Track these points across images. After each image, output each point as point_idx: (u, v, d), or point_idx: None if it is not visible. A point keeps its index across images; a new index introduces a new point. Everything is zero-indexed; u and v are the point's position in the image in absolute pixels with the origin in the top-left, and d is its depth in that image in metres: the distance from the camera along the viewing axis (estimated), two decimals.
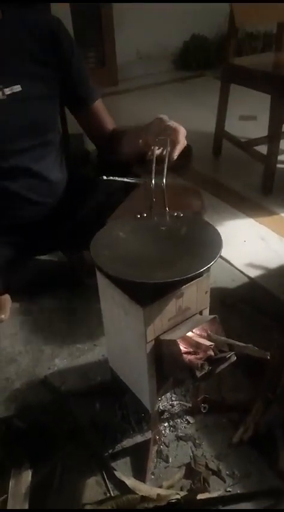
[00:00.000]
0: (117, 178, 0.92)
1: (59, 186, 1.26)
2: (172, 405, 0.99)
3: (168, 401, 1.00)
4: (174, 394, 1.02)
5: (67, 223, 1.27)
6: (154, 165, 0.87)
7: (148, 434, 0.93)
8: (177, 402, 1.00)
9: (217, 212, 1.81)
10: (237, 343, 0.72)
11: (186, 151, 2.32)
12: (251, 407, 0.95)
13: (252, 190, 1.96)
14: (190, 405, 0.98)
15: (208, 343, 0.74)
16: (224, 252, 1.51)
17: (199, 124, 2.55)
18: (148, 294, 0.72)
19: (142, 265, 0.73)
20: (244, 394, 1.02)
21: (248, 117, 2.75)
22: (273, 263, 1.50)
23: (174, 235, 0.80)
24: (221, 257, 1.50)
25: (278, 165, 1.95)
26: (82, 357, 1.15)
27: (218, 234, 0.78)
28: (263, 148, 1.95)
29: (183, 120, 2.76)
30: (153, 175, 0.85)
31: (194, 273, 0.69)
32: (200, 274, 0.76)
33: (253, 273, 1.45)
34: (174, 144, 0.91)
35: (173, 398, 1.01)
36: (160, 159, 0.89)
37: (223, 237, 1.57)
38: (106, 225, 0.83)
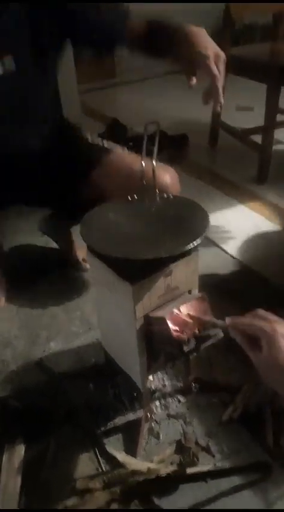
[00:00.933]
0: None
1: (50, 125, 1.19)
2: (164, 385, 1.01)
3: (160, 381, 1.02)
4: (166, 374, 1.04)
5: (52, 173, 1.18)
6: (145, 146, 0.88)
7: (140, 413, 0.95)
8: (169, 382, 1.02)
9: (212, 201, 1.82)
10: (216, 320, 0.73)
11: (183, 141, 2.33)
12: (240, 388, 0.97)
13: (247, 179, 1.97)
14: (182, 385, 1.00)
15: (195, 320, 0.76)
16: (219, 239, 1.56)
17: (196, 115, 2.55)
18: (137, 272, 0.74)
19: (131, 244, 0.75)
20: (235, 375, 1.04)
21: (246, 108, 2.75)
22: (266, 249, 1.52)
23: (164, 216, 0.82)
24: (215, 244, 1.54)
25: (274, 155, 1.96)
26: (77, 340, 1.17)
27: (205, 214, 0.80)
28: (259, 138, 1.96)
29: (181, 111, 2.78)
30: (143, 155, 0.86)
31: (181, 250, 0.70)
32: (188, 253, 0.78)
33: (247, 259, 1.46)
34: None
35: (165, 379, 1.03)
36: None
37: (219, 225, 1.58)
38: (97, 207, 0.85)
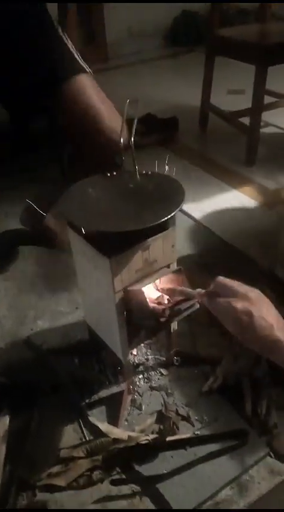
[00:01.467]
0: None
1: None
2: (147, 359, 1.04)
3: (144, 355, 1.05)
4: (150, 349, 1.06)
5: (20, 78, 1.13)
6: (124, 123, 0.89)
7: (124, 386, 0.97)
8: (152, 356, 1.05)
9: (201, 183, 1.84)
10: (189, 290, 0.75)
11: (172, 124, 2.33)
12: (221, 360, 1.00)
13: (236, 162, 1.98)
14: (164, 359, 1.03)
15: (170, 291, 0.78)
16: (205, 220, 1.58)
17: (187, 99, 2.56)
18: (115, 246, 0.76)
19: (109, 218, 0.77)
20: (217, 349, 1.07)
21: (237, 91, 2.75)
22: (252, 229, 1.53)
23: (142, 192, 0.83)
24: (202, 224, 1.56)
25: (263, 137, 1.97)
26: (64, 319, 1.19)
27: (181, 189, 0.81)
28: (248, 121, 1.96)
29: (172, 95, 2.77)
30: (122, 134, 0.87)
31: (156, 222, 0.72)
32: (165, 227, 0.80)
33: (232, 240, 1.48)
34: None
35: (148, 353, 1.05)
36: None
37: (205, 207, 1.60)
38: (76, 183, 0.86)
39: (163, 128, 2.22)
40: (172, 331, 0.95)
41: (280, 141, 2.19)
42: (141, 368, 1.02)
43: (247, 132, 1.93)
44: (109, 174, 0.88)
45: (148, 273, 0.83)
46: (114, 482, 0.82)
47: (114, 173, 0.88)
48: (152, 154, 2.08)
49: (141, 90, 2.85)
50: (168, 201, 0.79)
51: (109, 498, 0.81)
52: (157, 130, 2.19)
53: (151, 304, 0.78)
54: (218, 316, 0.68)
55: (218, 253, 1.43)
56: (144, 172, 0.88)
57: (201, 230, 1.55)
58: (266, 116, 2.21)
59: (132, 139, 0.86)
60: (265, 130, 2.23)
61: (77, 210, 0.78)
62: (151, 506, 0.79)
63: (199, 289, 0.73)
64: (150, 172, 0.88)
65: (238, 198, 1.73)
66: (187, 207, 1.65)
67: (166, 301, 0.78)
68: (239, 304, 0.64)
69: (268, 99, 2.07)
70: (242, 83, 2.72)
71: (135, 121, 0.90)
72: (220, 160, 2.02)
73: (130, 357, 1.04)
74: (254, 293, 0.66)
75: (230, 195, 1.76)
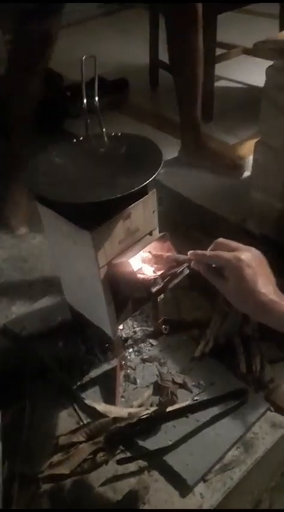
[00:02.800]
0: None
1: None
2: (135, 332, 1.01)
3: (130, 328, 1.01)
4: (136, 321, 1.03)
5: None
6: (84, 85, 0.81)
7: (115, 362, 0.94)
8: (139, 328, 1.01)
9: (159, 144, 1.77)
10: (179, 256, 0.72)
11: (122, 85, 2.23)
12: (209, 322, 0.98)
13: None
14: (152, 329, 1.00)
15: (159, 259, 0.74)
16: (172, 183, 1.53)
17: (133, 57, 2.44)
18: (94, 217, 0.70)
19: (83, 188, 0.70)
20: (202, 312, 1.05)
21: None
22: (219, 188, 1.51)
23: (113, 156, 0.77)
24: (169, 188, 1.51)
25: (217, 92, 1.92)
26: (40, 301, 1.13)
27: (157, 149, 0.76)
28: None
29: (117, 55, 2.64)
30: (84, 95, 0.79)
31: (137, 188, 0.67)
32: (144, 192, 0.74)
33: (200, 199, 1.45)
34: None
35: (135, 326, 1.02)
36: None
37: (169, 169, 1.55)
38: (40, 153, 0.78)
39: (113, 90, 2.11)
40: (159, 300, 0.92)
41: (235, 94, 2.15)
42: (130, 342, 0.98)
43: (203, 87, 1.86)
44: (75, 140, 0.81)
45: (131, 243, 0.78)
46: (119, 462, 0.79)
47: (80, 138, 0.81)
48: (104, 118, 1.99)
49: (84, 52, 2.68)
50: (144, 162, 0.73)
51: (117, 478, 0.78)
52: (107, 93, 2.08)
53: (140, 275, 0.73)
54: (228, 298, 0.65)
55: (188, 214, 1.40)
56: (112, 134, 0.81)
57: (167, 192, 1.50)
58: (217, 69, 2.15)
59: (96, 98, 0.79)
60: (218, 84, 2.17)
61: (47, 183, 0.71)
62: (161, 480, 0.78)
63: (191, 251, 0.68)
64: (119, 134, 0.81)
65: None
66: None
67: (155, 270, 0.74)
68: (243, 255, 0.61)
69: (218, 52, 2.01)
70: None
71: (96, 79, 0.83)
72: (175, 118, 1.95)
73: (118, 332, 1.00)
74: (254, 251, 0.63)
75: None
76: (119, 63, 2.48)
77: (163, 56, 2.12)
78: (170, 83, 2.12)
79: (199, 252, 0.66)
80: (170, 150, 1.71)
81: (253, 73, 2.08)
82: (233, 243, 0.65)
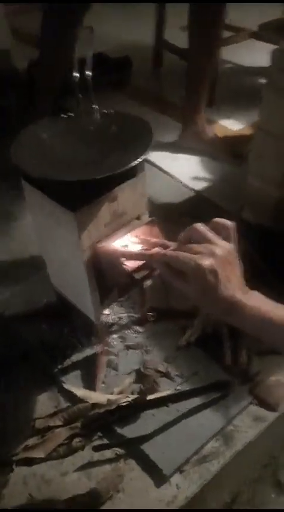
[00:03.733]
0: None
1: None
2: (120, 318, 0.98)
3: (116, 314, 0.99)
4: (122, 307, 1.01)
5: None
6: (75, 59, 0.77)
7: (98, 348, 0.92)
8: (125, 314, 0.99)
9: (159, 127, 1.72)
10: (169, 242, 0.69)
11: (125, 64, 2.17)
12: (197, 312, 0.96)
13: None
14: (138, 316, 0.98)
15: (146, 245, 0.71)
16: (169, 167, 1.49)
17: (138, 37, 2.37)
18: (79, 198, 0.67)
19: (69, 166, 0.67)
20: (191, 301, 1.02)
21: None
22: (218, 174, 1.47)
23: (103, 134, 0.74)
24: (166, 172, 1.48)
25: (221, 75, 1.87)
26: (26, 282, 1.10)
27: (149, 130, 0.72)
28: None
29: (121, 34, 2.58)
30: (76, 69, 0.76)
31: (121, 169, 0.64)
32: (133, 174, 0.71)
33: (197, 186, 1.42)
34: None
35: (121, 311, 1.00)
36: None
37: (167, 153, 1.51)
38: (27, 127, 0.75)
39: (115, 68, 2.05)
40: (145, 286, 0.89)
41: (239, 78, 2.09)
42: (115, 327, 0.96)
43: None
44: (64, 116, 0.77)
45: (117, 227, 0.75)
46: (96, 448, 0.78)
47: (70, 114, 0.77)
48: (105, 97, 1.94)
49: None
50: (134, 143, 0.70)
51: (92, 464, 0.77)
52: (109, 71, 2.02)
53: (125, 261, 0.71)
54: (170, 276, 0.62)
55: (184, 201, 1.37)
56: (104, 111, 0.78)
57: (162, 177, 1.47)
58: (223, 52, 2.09)
59: (90, 73, 0.75)
60: (222, 67, 2.12)
61: (31, 159, 0.68)
62: (137, 468, 0.76)
63: (155, 249, 0.66)
64: (112, 111, 0.78)
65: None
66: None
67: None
68: (205, 262, 0.57)
69: (224, 34, 1.95)
70: None
71: (90, 52, 0.79)
72: (177, 101, 1.91)
73: (103, 317, 0.98)
74: (222, 250, 0.59)
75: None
76: (123, 41, 2.42)
77: (168, 36, 2.06)
78: (174, 64, 2.07)
79: (161, 252, 0.63)
80: (170, 134, 1.67)
81: (261, 58, 2.02)
82: (209, 235, 0.61)
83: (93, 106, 0.76)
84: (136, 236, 0.73)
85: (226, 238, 0.62)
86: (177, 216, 1.28)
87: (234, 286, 0.58)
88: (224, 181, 1.43)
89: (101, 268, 0.75)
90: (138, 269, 0.69)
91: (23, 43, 2.43)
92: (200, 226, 0.62)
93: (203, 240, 0.61)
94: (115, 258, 0.70)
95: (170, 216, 1.27)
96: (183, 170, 1.49)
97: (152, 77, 2.16)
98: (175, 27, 2.52)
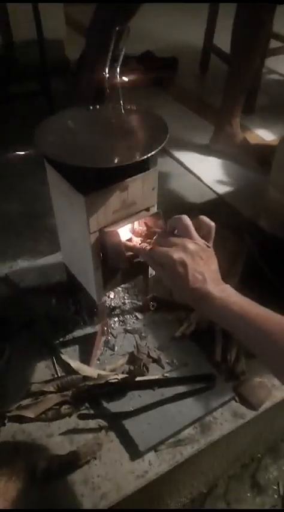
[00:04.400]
0: None
1: None
2: (124, 303, 1.04)
3: (121, 299, 1.05)
4: (127, 294, 1.06)
5: None
6: (110, 54, 0.83)
7: (98, 327, 0.98)
8: (129, 301, 1.05)
9: (195, 129, 1.77)
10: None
11: (172, 64, 2.22)
12: None
13: None
14: (141, 303, 1.03)
15: (148, 234, 0.77)
16: (196, 168, 1.53)
17: (190, 38, 2.41)
18: (91, 183, 0.73)
19: (85, 153, 0.73)
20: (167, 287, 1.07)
21: None
22: (243, 181, 1.50)
23: (123, 128, 0.79)
24: (192, 172, 1.52)
25: (265, 85, 1.88)
26: (43, 259, 1.18)
27: (165, 130, 0.77)
28: None
29: (175, 33, 2.61)
30: (107, 64, 0.81)
31: (134, 161, 0.69)
32: (145, 168, 0.76)
33: (221, 189, 1.45)
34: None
35: (125, 297, 1.05)
36: None
37: (197, 154, 1.54)
38: (55, 114, 0.81)
39: (161, 67, 2.11)
40: (149, 276, 0.95)
41: (283, 90, 2.09)
42: (117, 311, 1.02)
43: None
44: (92, 107, 0.84)
45: (126, 215, 0.80)
46: (81, 416, 0.84)
47: (97, 106, 0.84)
48: (147, 94, 2.00)
49: (140, 25, 2.66)
50: (149, 139, 0.75)
51: (76, 431, 0.83)
52: (155, 70, 2.08)
53: (127, 246, 0.76)
54: (153, 266, 0.69)
55: (205, 202, 1.41)
56: (128, 107, 0.83)
57: (190, 178, 1.51)
58: (271, 62, 2.10)
59: (118, 70, 0.81)
60: (268, 77, 2.13)
61: (52, 142, 0.74)
62: (116, 441, 0.82)
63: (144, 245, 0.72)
64: (135, 108, 0.83)
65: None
66: (178, 152, 1.60)
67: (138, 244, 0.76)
68: (176, 255, 0.63)
69: (274, 44, 1.96)
70: None
71: (122, 51, 0.84)
72: (217, 105, 1.93)
73: (107, 300, 1.04)
74: (195, 246, 0.64)
75: None
76: (174, 41, 2.46)
77: (218, 40, 2.09)
78: (220, 69, 2.10)
79: (146, 247, 0.70)
80: (204, 136, 1.71)
81: None
82: (189, 229, 0.66)
83: (119, 101, 0.82)
84: (139, 226, 0.78)
85: (205, 236, 0.67)
86: (194, 214, 1.32)
87: (205, 278, 0.63)
88: (247, 188, 1.45)
89: (106, 251, 0.80)
90: (136, 256, 0.74)
91: (78, 33, 2.53)
92: (185, 220, 0.67)
93: (183, 232, 0.66)
94: (117, 244, 0.75)
95: (188, 214, 1.32)
96: (209, 172, 1.53)
97: (197, 80, 2.19)
98: (228, 30, 2.54)
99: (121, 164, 0.68)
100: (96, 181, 0.73)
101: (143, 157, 0.70)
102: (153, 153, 0.71)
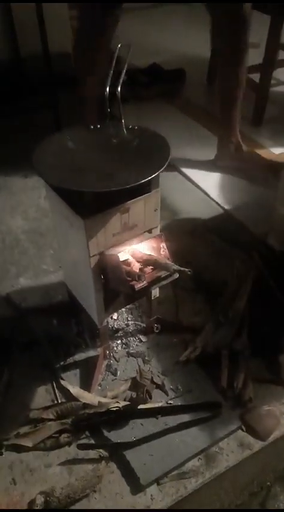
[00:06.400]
0: None
1: None
2: (127, 324, 1.01)
3: (124, 321, 1.02)
4: (131, 315, 1.03)
5: None
6: (111, 71, 0.81)
7: (100, 350, 0.95)
8: (132, 322, 1.02)
9: (203, 143, 1.74)
10: (165, 261, 0.71)
11: (178, 76, 2.20)
12: (202, 329, 0.97)
13: (242, 121, 1.86)
14: (145, 325, 1.00)
15: (150, 260, 0.74)
16: (203, 183, 1.50)
17: (197, 49, 2.39)
18: (90, 206, 0.71)
19: (84, 175, 0.71)
20: (200, 317, 1.04)
21: (250, 44, 2.56)
22: (252, 197, 1.46)
23: (124, 148, 0.77)
24: (200, 188, 1.49)
25: (273, 97, 1.85)
26: (46, 278, 1.16)
27: (167, 151, 0.74)
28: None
29: (182, 45, 2.60)
30: (108, 84, 0.79)
31: (134, 184, 0.66)
32: (146, 190, 0.74)
33: (230, 206, 1.42)
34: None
35: (129, 319, 1.02)
36: None
37: (206, 169, 1.52)
38: (55, 134, 0.79)
39: (168, 80, 2.09)
40: (153, 298, 0.92)
41: None
42: (120, 333, 0.99)
43: (256, 90, 1.81)
44: (92, 126, 0.82)
45: (127, 238, 0.78)
46: (81, 446, 0.81)
47: (98, 125, 0.81)
48: (154, 107, 1.98)
49: (149, 37, 2.67)
50: (151, 161, 0.72)
51: (76, 461, 0.80)
52: (161, 82, 2.06)
53: (128, 271, 0.73)
54: None
55: (213, 219, 1.38)
56: (130, 126, 0.81)
57: (198, 194, 1.48)
58: (280, 73, 2.08)
59: (119, 89, 0.79)
60: (277, 89, 2.10)
61: (51, 164, 0.72)
62: (117, 473, 0.79)
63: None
64: (136, 127, 0.81)
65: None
66: (185, 167, 1.57)
67: (138, 270, 0.74)
68: None
69: (282, 55, 1.94)
70: (257, 36, 2.54)
71: (124, 68, 0.82)
72: None
73: (110, 322, 1.01)
74: None
75: None
76: (181, 53, 2.45)
77: None
78: None
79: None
80: (211, 150, 1.68)
81: None
82: None
83: (119, 120, 0.79)
84: (141, 251, 0.75)
85: None
86: (202, 232, 1.29)
87: None
88: (255, 203, 1.42)
89: (106, 275, 0.78)
90: (139, 281, 0.71)
91: None
92: None
93: None
94: (118, 268, 0.73)
95: (194, 230, 1.29)
96: (216, 187, 1.50)
97: (205, 92, 2.17)
98: None
99: (121, 188, 0.66)
100: (96, 204, 0.71)
101: (143, 180, 0.67)
102: (153, 175, 0.68)
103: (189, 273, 0.70)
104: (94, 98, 1.34)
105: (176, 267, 0.71)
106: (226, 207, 1.41)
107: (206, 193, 1.47)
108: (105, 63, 1.31)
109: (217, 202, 1.43)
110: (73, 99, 1.91)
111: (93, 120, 1.36)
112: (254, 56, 2.16)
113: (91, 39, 1.37)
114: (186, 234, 1.28)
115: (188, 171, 1.56)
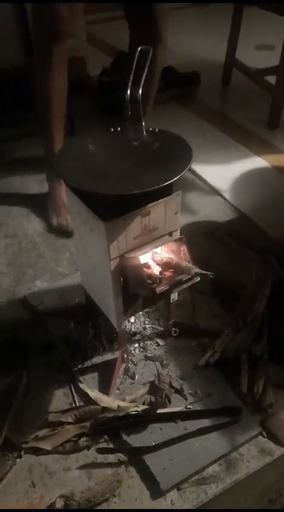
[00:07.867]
0: None
1: None
2: (145, 328, 1.01)
3: (141, 324, 1.02)
4: (148, 318, 1.03)
5: None
6: (132, 75, 0.81)
7: (118, 354, 0.94)
8: (150, 326, 1.01)
9: (218, 146, 1.73)
10: (187, 264, 0.70)
11: (193, 79, 2.19)
12: (221, 333, 0.96)
13: (258, 124, 1.86)
14: (162, 329, 0.99)
15: (171, 263, 0.73)
16: (219, 186, 1.49)
17: (212, 52, 2.39)
18: (111, 209, 0.71)
19: (105, 178, 0.70)
20: (218, 321, 1.03)
21: (266, 46, 2.56)
22: (268, 200, 1.45)
23: (145, 151, 0.77)
24: (216, 191, 1.48)
25: None
26: (63, 280, 1.16)
27: (189, 154, 0.74)
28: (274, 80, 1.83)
29: (196, 47, 2.61)
30: (129, 86, 0.79)
31: (156, 187, 0.66)
32: (167, 193, 0.73)
33: (246, 209, 1.41)
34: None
35: (146, 322, 1.02)
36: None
37: (222, 172, 1.51)
38: (75, 137, 0.79)
39: (183, 83, 2.09)
40: (171, 301, 0.91)
41: None
42: (137, 337, 0.99)
43: (272, 92, 1.80)
44: (112, 129, 0.81)
45: (147, 241, 0.77)
46: (100, 450, 0.81)
47: (118, 128, 0.81)
48: (169, 110, 1.98)
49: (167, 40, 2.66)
50: (172, 163, 0.72)
51: (95, 465, 0.80)
52: (176, 85, 2.06)
53: (148, 274, 0.73)
54: None
55: (230, 221, 1.37)
56: (150, 129, 0.81)
57: (214, 196, 1.48)
58: None
59: (140, 91, 0.79)
60: None
61: (72, 167, 0.72)
62: (136, 477, 0.78)
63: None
64: (157, 130, 0.81)
65: (256, 164, 1.63)
66: (201, 170, 1.57)
67: (159, 273, 0.73)
68: None
69: None
70: (273, 38, 2.53)
71: (144, 71, 0.82)
72: (240, 121, 1.91)
73: (127, 325, 1.00)
74: None
75: (248, 160, 1.66)
76: (196, 55, 2.44)
77: (240, 55, 2.06)
78: (242, 84, 2.07)
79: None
80: (227, 153, 1.67)
81: None
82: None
83: (140, 122, 0.79)
84: (162, 254, 0.75)
85: None
86: (220, 235, 1.28)
87: None
88: (271, 206, 1.40)
89: (127, 278, 0.77)
90: (159, 280, 0.71)
91: (95, 48, 2.55)
92: None
93: None
94: (139, 271, 0.72)
95: (210, 232, 1.29)
96: (232, 190, 1.49)
97: (220, 95, 2.16)
98: (250, 45, 2.52)
99: (144, 190, 0.66)
100: (117, 207, 0.71)
101: (167, 183, 0.67)
102: (176, 178, 0.68)
103: (211, 276, 0.69)
104: (60, 115, 1.18)
105: (198, 270, 0.71)
106: (243, 210, 1.40)
107: (222, 196, 1.47)
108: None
109: (233, 205, 1.42)
110: (85, 103, 1.92)
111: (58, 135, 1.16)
112: (270, 58, 2.15)
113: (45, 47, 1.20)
114: (202, 237, 1.28)
115: (204, 174, 1.55)
